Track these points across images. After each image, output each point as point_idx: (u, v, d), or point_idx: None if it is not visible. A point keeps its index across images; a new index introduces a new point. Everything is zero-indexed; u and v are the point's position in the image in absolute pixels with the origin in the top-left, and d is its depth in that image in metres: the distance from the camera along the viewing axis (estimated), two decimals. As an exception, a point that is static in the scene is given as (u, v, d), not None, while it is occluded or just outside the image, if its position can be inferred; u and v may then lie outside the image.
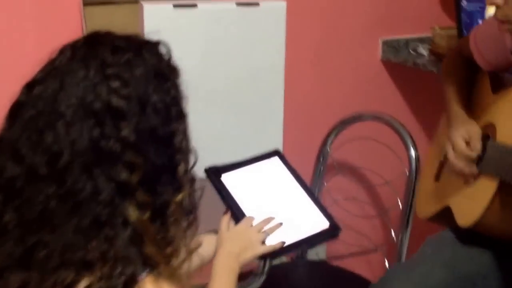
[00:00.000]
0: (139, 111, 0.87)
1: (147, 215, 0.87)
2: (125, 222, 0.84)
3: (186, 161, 0.93)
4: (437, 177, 1.59)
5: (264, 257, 1.37)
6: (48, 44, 0.92)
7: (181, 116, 0.93)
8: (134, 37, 0.94)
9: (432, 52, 2.16)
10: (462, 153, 1.40)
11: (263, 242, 1.34)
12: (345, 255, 2.20)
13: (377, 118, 2.06)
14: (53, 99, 0.85)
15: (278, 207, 1.47)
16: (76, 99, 0.84)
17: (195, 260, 1.28)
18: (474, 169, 1.39)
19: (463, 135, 1.41)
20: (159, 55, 0.93)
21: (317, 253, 2.35)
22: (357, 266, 2.06)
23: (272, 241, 1.35)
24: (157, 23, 1.76)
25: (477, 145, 1.40)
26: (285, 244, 1.39)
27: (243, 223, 1.35)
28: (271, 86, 1.91)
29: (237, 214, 1.42)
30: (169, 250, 0.90)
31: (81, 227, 0.82)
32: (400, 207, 1.95)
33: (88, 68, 0.86)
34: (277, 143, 1.95)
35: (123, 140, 0.85)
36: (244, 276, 1.41)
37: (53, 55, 0.90)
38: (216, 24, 1.85)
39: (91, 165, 0.83)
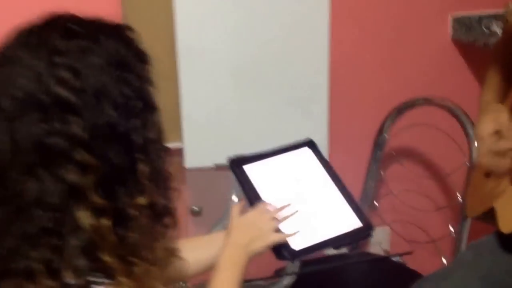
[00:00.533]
0: (94, 105, 0.78)
1: (105, 221, 0.79)
2: (77, 229, 0.78)
3: (153, 160, 0.85)
4: (488, 174, 1.43)
5: (277, 248, 1.26)
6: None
7: (147, 110, 0.84)
8: (93, 21, 0.84)
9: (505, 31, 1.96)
10: (490, 147, 1.23)
11: (277, 231, 1.23)
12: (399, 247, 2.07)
13: (439, 104, 1.90)
14: None
15: (304, 202, 1.36)
16: (21, 91, 0.77)
17: (198, 263, 1.21)
18: (507, 163, 1.22)
19: (491, 125, 1.24)
20: (122, 41, 0.84)
21: (380, 243, 2.24)
22: (411, 260, 1.93)
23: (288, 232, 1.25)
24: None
25: (510, 134, 1.22)
26: (310, 244, 1.29)
27: (255, 211, 1.24)
28: (315, 66, 1.79)
29: (254, 204, 1.32)
30: (133, 258, 0.83)
31: (25, 233, 0.76)
32: (460, 200, 1.80)
33: (36, 56, 0.78)
34: (321, 128, 1.84)
35: (72, 137, 0.77)
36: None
37: (7, 40, 0.82)
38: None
39: (36, 165, 0.76)
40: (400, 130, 1.93)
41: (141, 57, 0.86)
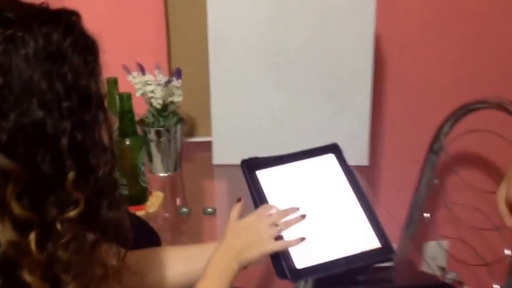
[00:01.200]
0: (18, 104, 0.68)
1: (28, 235, 0.69)
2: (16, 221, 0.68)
3: (89, 167, 0.73)
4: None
5: (277, 263, 1.11)
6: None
7: (83, 109, 0.72)
8: (30, 6, 0.73)
9: None
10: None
11: (278, 238, 1.09)
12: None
13: (504, 107, 1.66)
14: None
15: (317, 214, 1.20)
16: None
17: (188, 276, 1.09)
18: None
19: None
20: (60, 30, 0.71)
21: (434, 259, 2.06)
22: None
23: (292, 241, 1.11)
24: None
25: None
26: (317, 262, 1.13)
27: (255, 213, 1.10)
28: (358, 58, 1.60)
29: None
30: (64, 277, 0.72)
31: None
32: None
33: None
34: (362, 130, 1.66)
35: None
36: None
37: None
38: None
39: None
40: (460, 136, 1.71)
41: (83, 48, 0.74)
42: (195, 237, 1.44)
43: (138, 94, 1.58)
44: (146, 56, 1.72)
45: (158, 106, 1.58)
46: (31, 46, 0.69)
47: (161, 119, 1.61)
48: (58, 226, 0.71)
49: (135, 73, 1.60)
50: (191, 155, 1.75)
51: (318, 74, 1.61)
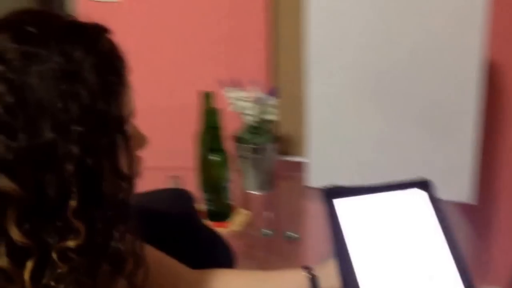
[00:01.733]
0: (28, 124, 0.65)
1: (27, 263, 0.66)
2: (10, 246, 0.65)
3: (98, 195, 0.68)
4: None
5: None
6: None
7: (97, 133, 0.68)
8: (55, 20, 0.70)
9: None
10: None
11: None
12: None
13: None
14: None
15: (397, 255, 1.11)
16: None
17: None
18: None
19: None
20: (78, 48, 0.68)
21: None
22: None
23: None
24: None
25: None
26: None
27: None
28: (464, 93, 1.47)
29: (337, 249, 1.11)
30: None
31: None
32: None
33: None
34: (466, 164, 1.52)
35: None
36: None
37: None
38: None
39: None
40: None
41: (105, 68, 0.69)
42: (273, 260, 1.39)
43: (231, 109, 1.57)
44: (247, 72, 1.70)
45: (251, 123, 1.55)
46: (47, 63, 0.66)
47: (254, 136, 1.58)
48: (55, 255, 0.67)
49: (230, 88, 1.58)
50: (285, 174, 1.70)
51: (421, 102, 1.50)
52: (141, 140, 0.81)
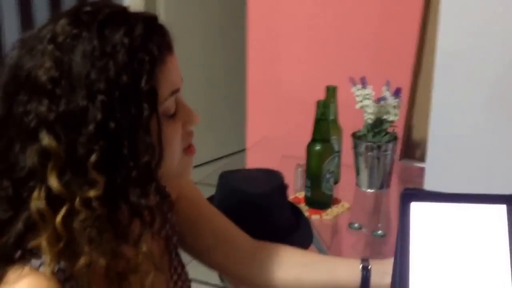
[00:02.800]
0: (68, 93, 0.80)
1: (54, 208, 0.81)
2: (26, 208, 0.82)
3: (121, 156, 0.82)
4: None
5: None
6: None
7: (124, 103, 0.81)
8: (107, 7, 0.85)
9: None
10: None
11: None
12: None
13: None
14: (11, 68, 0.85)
15: (456, 269, 1.10)
16: (24, 72, 0.83)
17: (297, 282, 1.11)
18: None
19: None
20: (118, 32, 0.82)
21: None
22: None
23: None
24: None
25: None
26: None
27: None
28: None
29: (399, 250, 1.14)
30: (78, 249, 0.82)
31: None
32: None
33: (41, 41, 0.83)
34: None
35: (41, 119, 0.81)
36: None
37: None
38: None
39: (14, 140, 0.83)
40: None
41: (139, 49, 0.83)
42: (349, 252, 1.43)
43: (356, 106, 1.61)
44: (391, 73, 1.72)
45: (369, 121, 1.58)
46: (88, 44, 0.80)
47: (372, 134, 1.61)
48: (81, 204, 0.81)
49: (359, 86, 1.63)
50: (404, 177, 1.70)
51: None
52: (190, 117, 0.94)
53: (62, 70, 0.81)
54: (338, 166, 1.66)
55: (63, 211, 0.81)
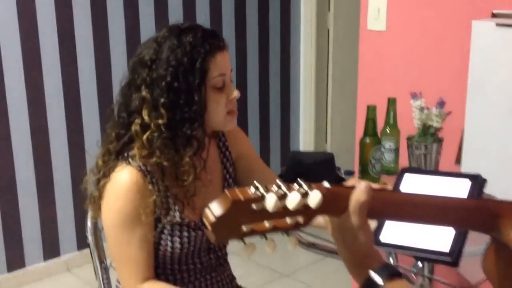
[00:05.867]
0: (158, 67, 1.55)
1: (147, 132, 1.57)
2: (130, 127, 1.60)
3: (180, 105, 1.54)
4: None
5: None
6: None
7: (186, 75, 1.53)
8: (179, 25, 1.61)
9: None
10: None
11: None
12: None
13: None
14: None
15: None
16: (140, 54, 1.61)
17: None
18: None
19: None
20: (187, 36, 1.57)
21: None
22: None
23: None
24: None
25: None
26: (395, 243, 1.46)
27: None
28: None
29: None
30: (155, 153, 1.56)
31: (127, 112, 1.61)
32: None
33: (154, 42, 1.60)
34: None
35: (142, 80, 1.57)
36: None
37: None
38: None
39: (130, 90, 1.60)
40: None
41: (197, 46, 1.55)
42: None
43: (414, 115, 2.09)
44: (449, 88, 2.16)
45: (416, 126, 2.04)
46: (171, 42, 1.56)
47: (422, 138, 2.06)
48: (154, 127, 1.56)
49: (418, 99, 2.10)
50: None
51: None
52: (231, 91, 1.61)
53: (156, 55, 1.57)
54: (396, 161, 2.13)
55: (147, 132, 1.55)
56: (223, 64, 1.59)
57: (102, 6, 3.42)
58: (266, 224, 0.96)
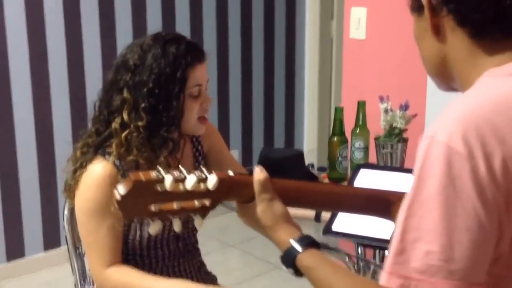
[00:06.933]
0: (141, 71, 1.69)
1: (125, 131, 1.72)
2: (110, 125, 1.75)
3: (159, 109, 1.70)
4: None
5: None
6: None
7: (166, 83, 1.69)
8: (164, 35, 1.75)
9: None
10: None
11: None
12: None
13: None
14: None
15: None
16: (124, 57, 1.75)
17: None
18: None
19: None
20: (170, 46, 1.71)
21: None
22: None
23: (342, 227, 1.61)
24: None
25: None
26: (346, 231, 1.61)
27: None
28: None
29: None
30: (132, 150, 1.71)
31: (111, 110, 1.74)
32: None
33: (139, 49, 1.74)
34: None
35: (124, 83, 1.72)
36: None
37: None
38: None
39: (113, 91, 1.74)
40: None
41: (177, 56, 1.70)
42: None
43: (381, 117, 2.23)
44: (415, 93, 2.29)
45: (382, 127, 2.18)
46: (155, 51, 1.69)
47: (388, 137, 2.20)
48: (134, 128, 1.70)
49: (385, 102, 2.23)
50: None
51: None
52: (205, 100, 1.77)
53: (140, 60, 1.72)
54: (365, 159, 2.27)
55: (126, 131, 1.70)
56: (201, 75, 1.74)
57: (110, 8, 3.60)
58: (174, 205, 1.08)
